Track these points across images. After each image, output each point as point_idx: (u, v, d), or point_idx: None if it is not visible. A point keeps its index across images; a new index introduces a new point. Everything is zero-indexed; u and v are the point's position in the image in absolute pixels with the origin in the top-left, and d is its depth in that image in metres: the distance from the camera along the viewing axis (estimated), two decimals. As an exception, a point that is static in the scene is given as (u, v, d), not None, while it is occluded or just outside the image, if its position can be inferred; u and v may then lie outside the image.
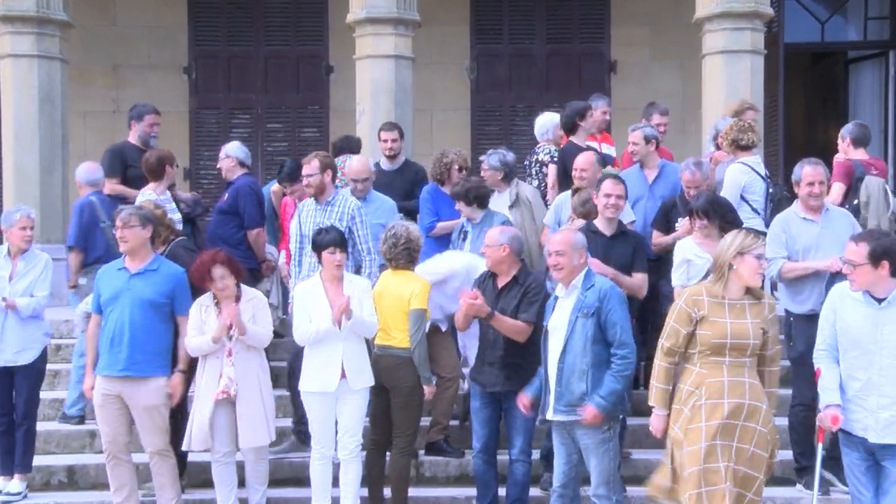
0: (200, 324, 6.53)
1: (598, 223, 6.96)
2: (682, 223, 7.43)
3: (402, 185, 8.67)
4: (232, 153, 8.26)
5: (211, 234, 8.13)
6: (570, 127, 8.55)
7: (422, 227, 7.76)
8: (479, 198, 7.67)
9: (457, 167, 8.34)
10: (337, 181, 7.99)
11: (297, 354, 7.04)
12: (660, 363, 5.57)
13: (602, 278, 5.99)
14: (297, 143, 11.54)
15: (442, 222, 8.12)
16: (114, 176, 8.44)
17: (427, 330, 6.75)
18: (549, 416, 5.91)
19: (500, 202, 8.14)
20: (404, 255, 6.70)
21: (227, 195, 8.16)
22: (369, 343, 6.67)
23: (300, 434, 7.45)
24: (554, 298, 5.99)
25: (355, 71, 10.30)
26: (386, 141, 8.74)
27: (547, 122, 8.91)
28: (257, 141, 11.99)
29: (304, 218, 7.39)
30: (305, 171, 7.35)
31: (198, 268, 6.53)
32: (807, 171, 6.79)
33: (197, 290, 6.75)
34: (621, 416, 6.02)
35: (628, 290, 6.65)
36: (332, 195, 7.31)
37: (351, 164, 8.00)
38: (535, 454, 6.85)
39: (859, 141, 8.10)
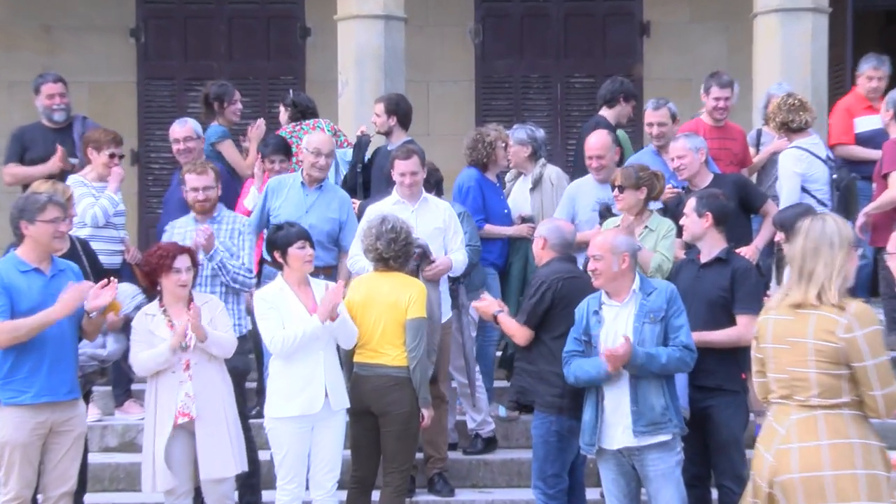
0: (148, 336, 6.36)
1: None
2: None
3: None
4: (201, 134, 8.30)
5: (163, 227, 7.77)
6: (609, 99, 8.54)
7: None
8: (438, 183, 7.83)
9: (502, 145, 8.11)
10: (294, 157, 8.21)
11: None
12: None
13: (660, 280, 6.13)
14: (267, 119, 10.85)
15: (490, 225, 7.82)
16: (9, 162, 8.59)
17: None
18: (624, 443, 5.75)
19: (523, 185, 8.22)
20: (404, 254, 6.59)
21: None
22: (341, 357, 6.60)
23: None
24: (591, 312, 5.92)
25: (336, 34, 10.03)
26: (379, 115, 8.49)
27: None
28: (219, 117, 11.99)
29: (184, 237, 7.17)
30: (200, 182, 7.11)
31: (157, 259, 6.42)
32: None
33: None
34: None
35: (720, 346, 6.25)
36: (217, 211, 7.26)
37: (312, 137, 7.86)
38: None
39: None
